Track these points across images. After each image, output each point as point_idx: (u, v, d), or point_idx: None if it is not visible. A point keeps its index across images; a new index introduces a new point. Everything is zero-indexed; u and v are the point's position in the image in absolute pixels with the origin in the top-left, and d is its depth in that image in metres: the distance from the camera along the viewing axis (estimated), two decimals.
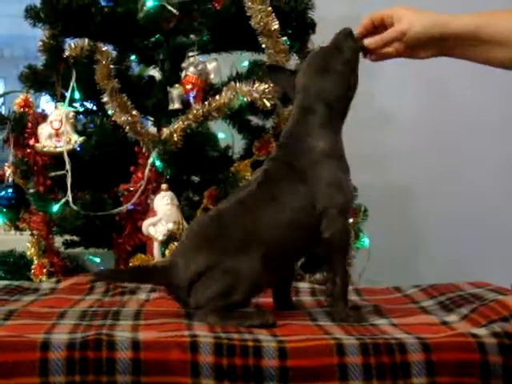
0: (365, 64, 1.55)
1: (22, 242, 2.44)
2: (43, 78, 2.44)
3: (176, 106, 2.36)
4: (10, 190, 2.40)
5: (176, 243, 2.20)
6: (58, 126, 2.34)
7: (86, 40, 2.32)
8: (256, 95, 2.22)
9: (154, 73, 2.58)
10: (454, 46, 1.49)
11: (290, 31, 2.43)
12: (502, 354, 1.15)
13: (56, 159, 2.35)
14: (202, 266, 1.37)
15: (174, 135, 2.27)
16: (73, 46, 2.33)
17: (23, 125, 2.38)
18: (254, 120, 2.58)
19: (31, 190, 2.35)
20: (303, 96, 1.49)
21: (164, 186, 2.27)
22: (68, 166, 2.31)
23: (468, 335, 1.18)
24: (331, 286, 1.43)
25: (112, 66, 2.31)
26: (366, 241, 2.42)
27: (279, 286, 1.54)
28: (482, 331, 1.20)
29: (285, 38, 2.33)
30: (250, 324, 1.33)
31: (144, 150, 2.30)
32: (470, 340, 1.17)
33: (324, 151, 1.44)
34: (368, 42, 1.55)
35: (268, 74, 1.61)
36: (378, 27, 1.54)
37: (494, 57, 1.49)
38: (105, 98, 2.30)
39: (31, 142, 2.37)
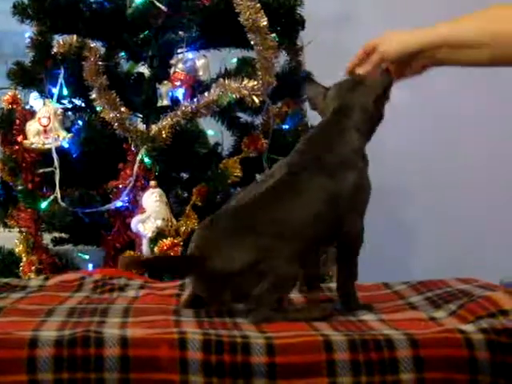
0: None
1: (11, 239, 2.43)
2: (31, 75, 2.43)
3: (165, 102, 2.35)
4: None
5: (165, 240, 2.20)
6: (46, 123, 2.34)
7: (75, 36, 2.32)
8: (245, 92, 2.23)
9: (143, 69, 2.57)
10: (432, 55, 1.56)
11: (278, 28, 2.43)
12: (489, 350, 1.15)
13: (44, 156, 2.35)
14: (245, 262, 1.36)
15: (163, 132, 2.26)
16: (61, 42, 2.32)
17: (11, 121, 2.37)
18: (243, 117, 2.58)
19: (19, 187, 2.35)
20: (339, 102, 1.52)
21: (153, 182, 2.27)
22: (56, 163, 2.31)
23: (456, 331, 1.19)
24: (343, 279, 1.50)
25: (100, 63, 2.30)
26: None
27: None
28: (469, 327, 1.20)
29: (274, 35, 2.33)
30: (310, 317, 1.36)
31: (133, 147, 2.30)
32: (458, 336, 1.17)
33: (354, 149, 1.48)
34: (361, 71, 1.59)
35: (305, 84, 1.65)
36: (370, 55, 1.59)
37: (467, 59, 1.57)
38: (93, 95, 2.29)
39: (19, 138, 2.36)
